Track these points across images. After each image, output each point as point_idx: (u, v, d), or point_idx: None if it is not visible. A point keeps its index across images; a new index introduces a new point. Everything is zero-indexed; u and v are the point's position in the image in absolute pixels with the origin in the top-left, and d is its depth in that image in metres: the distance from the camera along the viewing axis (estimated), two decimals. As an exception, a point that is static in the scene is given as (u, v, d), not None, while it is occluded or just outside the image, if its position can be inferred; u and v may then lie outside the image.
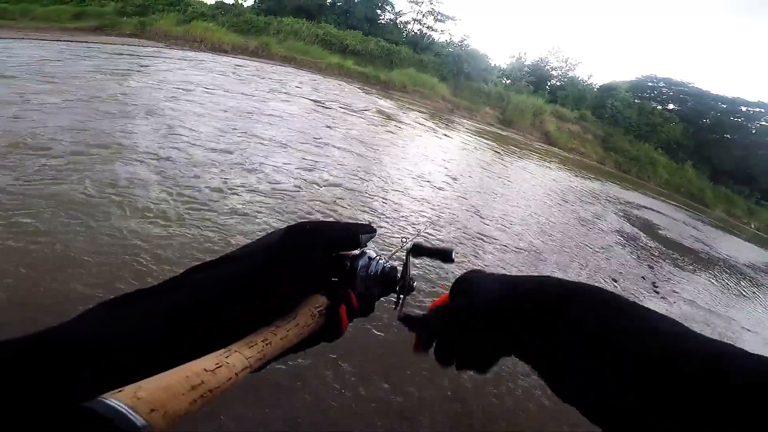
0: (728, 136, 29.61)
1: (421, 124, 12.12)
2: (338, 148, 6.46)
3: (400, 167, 6.67)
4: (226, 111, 6.57)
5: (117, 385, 0.22)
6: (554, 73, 29.53)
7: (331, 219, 3.03)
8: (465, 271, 0.47)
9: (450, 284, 0.46)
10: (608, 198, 11.79)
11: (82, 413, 0.20)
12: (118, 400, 0.20)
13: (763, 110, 30.00)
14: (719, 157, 27.83)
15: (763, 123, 29.86)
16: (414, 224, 4.48)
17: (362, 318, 0.44)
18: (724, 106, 30.62)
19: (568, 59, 29.41)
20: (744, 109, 30.36)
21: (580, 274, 4.98)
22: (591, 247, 6.24)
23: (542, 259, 4.99)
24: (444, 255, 0.48)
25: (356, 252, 0.42)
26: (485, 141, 13.57)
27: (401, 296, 0.46)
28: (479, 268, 0.49)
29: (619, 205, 11.22)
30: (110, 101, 5.57)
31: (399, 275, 0.46)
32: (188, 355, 0.26)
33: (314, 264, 0.37)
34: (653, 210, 13.13)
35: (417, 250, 0.47)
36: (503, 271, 4.06)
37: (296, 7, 25.26)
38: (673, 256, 7.86)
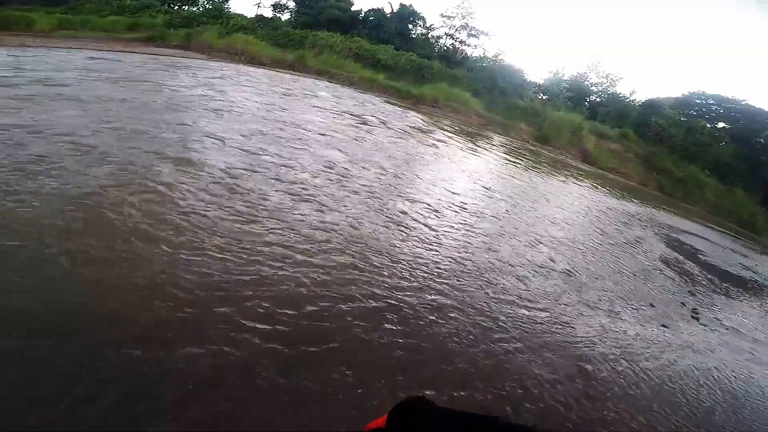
0: (784, 157, 27.60)
1: (452, 140, 11.89)
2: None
3: (430, 181, 6.55)
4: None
5: None
6: (594, 89, 28.57)
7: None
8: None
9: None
10: (649, 221, 11.27)
11: None
12: None
13: (822, 130, 27.85)
14: (773, 181, 25.88)
15: (823, 144, 27.68)
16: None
17: None
18: (780, 126, 28.61)
19: (608, 75, 28.43)
20: (802, 129, 28.26)
21: (615, 298, 4.75)
22: (629, 270, 6.02)
23: (579, 284, 4.75)
24: None
25: None
26: (519, 159, 13.15)
27: None
28: (419, 395, 0.53)
29: (661, 230, 10.71)
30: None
31: None
32: None
33: None
34: (698, 236, 12.39)
35: None
36: (533, 297, 3.94)
37: (331, 20, 25.74)
38: (718, 283, 7.45)
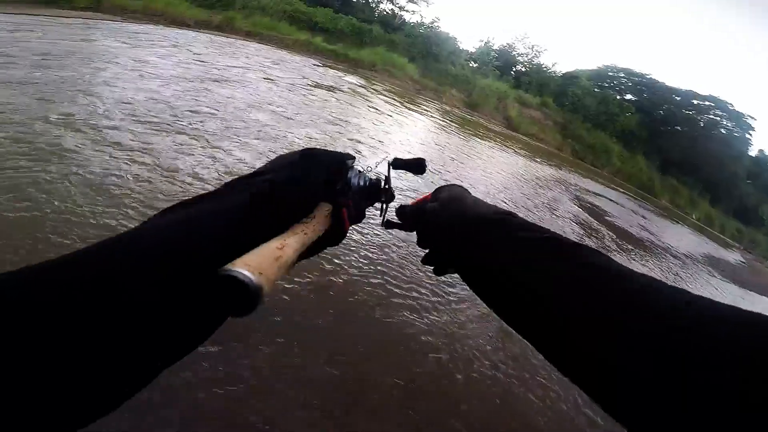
0: (679, 128, 31.37)
1: (390, 103, 11.91)
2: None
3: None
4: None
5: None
6: (520, 59, 30.23)
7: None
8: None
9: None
10: (563, 184, 12.08)
11: (222, 278, 0.27)
12: (239, 268, 0.27)
13: (712, 104, 31.85)
14: (669, 148, 29.50)
15: (711, 117, 31.76)
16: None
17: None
18: (678, 99, 32.29)
19: (534, 46, 30.14)
20: (695, 102, 32.15)
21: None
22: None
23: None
24: (417, 166, 0.54)
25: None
26: (451, 123, 13.77)
27: (384, 206, 0.54)
28: (461, 185, 0.55)
29: (574, 191, 11.49)
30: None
31: (382, 185, 0.52)
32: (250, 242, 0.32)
33: (324, 177, 0.43)
34: (605, 197, 13.54)
35: (395, 164, 0.54)
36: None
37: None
38: (621, 243, 8.11)
